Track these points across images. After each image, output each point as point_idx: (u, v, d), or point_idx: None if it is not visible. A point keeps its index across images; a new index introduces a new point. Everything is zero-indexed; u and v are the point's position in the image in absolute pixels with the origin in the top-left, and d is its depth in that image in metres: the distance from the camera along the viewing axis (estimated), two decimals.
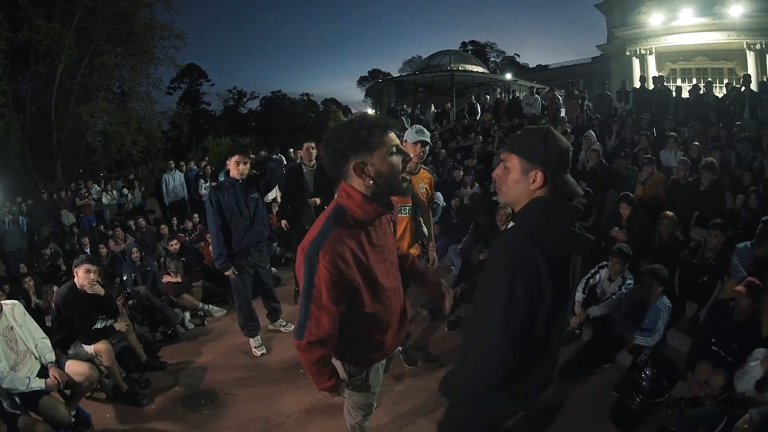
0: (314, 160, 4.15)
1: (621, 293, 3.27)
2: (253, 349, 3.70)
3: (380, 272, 1.45)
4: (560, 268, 1.15)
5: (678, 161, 5.08)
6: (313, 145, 4.14)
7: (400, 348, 3.20)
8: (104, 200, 9.11)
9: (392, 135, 1.37)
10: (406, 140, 2.76)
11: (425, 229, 3.04)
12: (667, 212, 3.95)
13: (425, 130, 2.82)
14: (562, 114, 9.70)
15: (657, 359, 2.83)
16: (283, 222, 4.38)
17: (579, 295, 3.39)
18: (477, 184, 6.35)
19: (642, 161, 5.18)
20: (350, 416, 1.85)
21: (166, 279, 4.69)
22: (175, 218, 7.39)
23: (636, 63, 16.10)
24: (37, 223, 7.80)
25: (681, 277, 3.56)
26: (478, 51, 35.05)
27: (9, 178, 12.38)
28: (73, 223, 8.26)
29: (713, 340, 2.66)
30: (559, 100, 10.13)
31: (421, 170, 2.98)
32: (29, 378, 2.68)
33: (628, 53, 16.22)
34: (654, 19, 15.32)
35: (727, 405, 2.25)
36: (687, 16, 14.70)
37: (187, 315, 4.54)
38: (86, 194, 8.77)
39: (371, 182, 1.34)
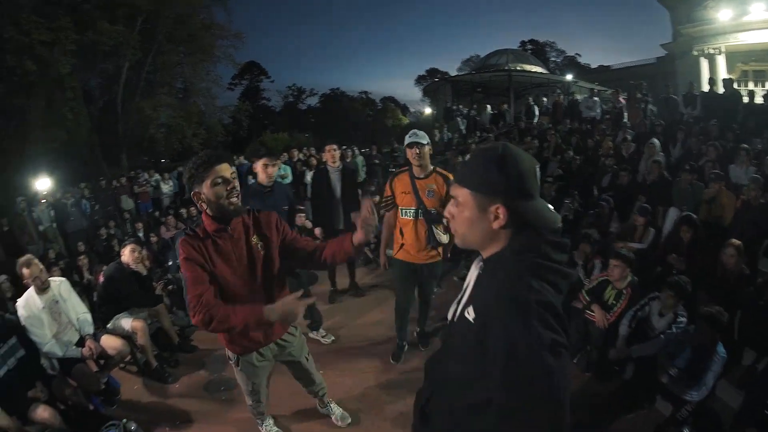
0: (338, 162, 4.11)
1: (670, 333, 2.81)
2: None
3: (225, 276, 1.78)
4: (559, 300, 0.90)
5: (749, 178, 4.42)
6: (335, 147, 4.10)
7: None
8: (163, 189, 9.72)
9: (218, 167, 1.67)
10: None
11: (441, 236, 2.95)
12: (733, 240, 3.35)
13: (418, 132, 2.91)
14: (625, 119, 8.99)
15: (700, 413, 2.46)
16: (317, 230, 4.22)
17: (624, 329, 2.99)
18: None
19: (708, 177, 4.56)
20: (246, 398, 2.26)
21: None
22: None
23: (704, 64, 14.50)
24: (98, 207, 8.45)
25: (742, 319, 3.04)
26: (538, 50, 33.83)
27: (78, 165, 13.86)
28: (130, 208, 8.91)
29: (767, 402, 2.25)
30: (621, 104, 9.38)
31: (435, 174, 2.95)
32: (67, 346, 3.02)
33: (695, 53, 14.66)
34: (723, 14, 13.67)
35: None
36: (760, 10, 12.97)
37: None
38: (144, 182, 9.43)
39: (205, 206, 1.74)
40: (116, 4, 13.70)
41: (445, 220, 2.87)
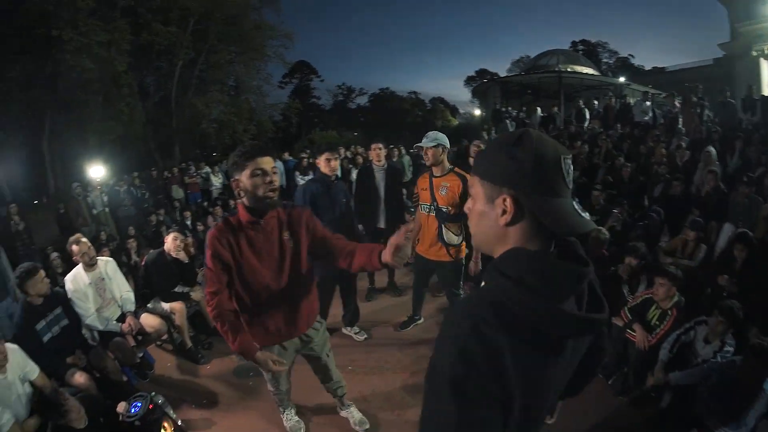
0: (383, 160, 4.15)
1: (714, 362, 2.58)
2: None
3: (254, 268, 1.83)
4: (541, 352, 0.73)
5: None
6: (381, 146, 4.14)
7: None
8: (213, 182, 10.21)
9: (260, 160, 1.71)
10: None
11: (449, 233, 3.11)
12: None
13: (429, 134, 3.08)
14: (680, 125, 8.38)
15: None
16: (360, 227, 4.26)
17: (664, 354, 2.78)
18: (576, 199, 5.72)
19: None
20: (268, 384, 2.32)
21: None
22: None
23: (765, 65, 13.16)
24: (149, 195, 9.04)
25: None
26: (589, 51, 32.46)
27: (133, 156, 15.06)
28: (180, 197, 9.44)
29: None
30: (676, 109, 8.75)
31: (452, 174, 3.09)
32: (108, 320, 3.27)
33: (754, 53, 13.26)
34: None
35: None
36: None
37: None
38: (194, 174, 9.95)
39: (242, 195, 1.77)
40: (169, 7, 14.68)
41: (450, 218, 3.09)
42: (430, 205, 3.14)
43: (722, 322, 2.59)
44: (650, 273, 3.38)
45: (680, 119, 8.52)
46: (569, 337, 0.76)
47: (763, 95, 8.07)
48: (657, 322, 2.94)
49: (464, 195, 3.01)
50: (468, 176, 2.86)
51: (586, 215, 0.77)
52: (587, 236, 3.83)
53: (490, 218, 0.78)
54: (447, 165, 3.12)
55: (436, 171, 3.12)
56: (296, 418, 2.59)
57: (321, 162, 3.35)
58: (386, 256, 1.67)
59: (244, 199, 1.77)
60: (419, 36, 78.37)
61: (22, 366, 2.42)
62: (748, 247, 3.46)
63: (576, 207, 0.76)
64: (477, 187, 0.81)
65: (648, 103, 9.83)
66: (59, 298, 3.01)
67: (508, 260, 0.75)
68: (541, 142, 0.75)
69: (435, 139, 3.04)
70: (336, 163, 3.35)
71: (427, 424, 0.71)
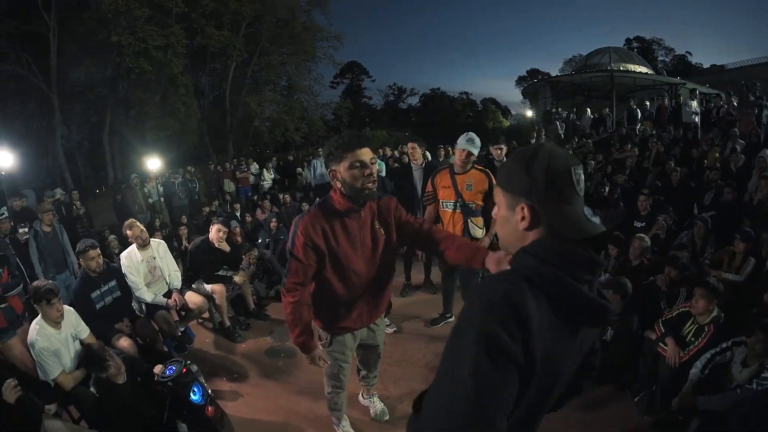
0: (421, 159, 4.30)
1: (749, 389, 2.34)
2: None
3: (348, 255, 1.83)
4: (561, 331, 0.81)
5: None
6: (416, 144, 4.27)
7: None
8: (266, 177, 10.72)
9: (360, 152, 1.68)
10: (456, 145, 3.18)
11: (475, 227, 3.20)
12: None
13: (475, 140, 3.19)
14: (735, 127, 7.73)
15: None
16: None
17: (695, 374, 2.56)
18: (622, 205, 5.47)
19: None
20: (325, 386, 2.28)
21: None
22: (318, 198, 8.34)
23: None
24: (201, 187, 9.69)
25: None
26: (644, 48, 30.61)
27: (187, 151, 16.24)
28: (232, 191, 10.04)
29: None
30: (733, 109, 8.08)
31: (473, 170, 3.23)
32: (156, 294, 3.65)
33: None
34: None
35: None
36: None
37: None
38: (245, 169, 10.53)
39: (340, 185, 1.75)
40: (222, 12, 15.56)
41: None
42: (455, 202, 3.23)
43: (763, 340, 2.37)
44: (690, 285, 3.15)
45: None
46: (583, 323, 0.86)
47: None
48: (692, 339, 2.74)
49: (491, 189, 3.12)
50: (488, 171, 3.19)
51: (596, 219, 0.91)
52: (603, 241, 3.79)
53: (512, 223, 0.91)
54: (469, 164, 3.27)
55: (458, 169, 3.25)
56: (351, 430, 2.50)
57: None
58: (491, 264, 1.57)
59: (342, 188, 1.75)
60: (471, 36, 77.13)
61: (75, 325, 2.79)
62: None
63: (586, 212, 0.89)
64: (500, 196, 0.95)
65: (694, 102, 9.13)
66: (115, 273, 3.44)
67: (536, 245, 0.86)
68: (553, 157, 0.87)
69: (479, 146, 3.24)
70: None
71: (445, 377, 0.76)
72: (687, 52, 32.82)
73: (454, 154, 3.55)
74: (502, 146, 4.72)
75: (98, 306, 3.22)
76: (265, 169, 10.86)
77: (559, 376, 0.86)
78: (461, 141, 3.20)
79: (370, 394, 2.72)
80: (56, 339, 2.64)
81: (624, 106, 14.14)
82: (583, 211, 0.87)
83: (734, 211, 4.60)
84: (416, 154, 4.28)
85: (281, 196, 8.23)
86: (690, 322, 2.81)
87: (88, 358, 2.63)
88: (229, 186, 10.16)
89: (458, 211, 3.24)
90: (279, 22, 16.70)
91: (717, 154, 6.02)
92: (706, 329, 2.70)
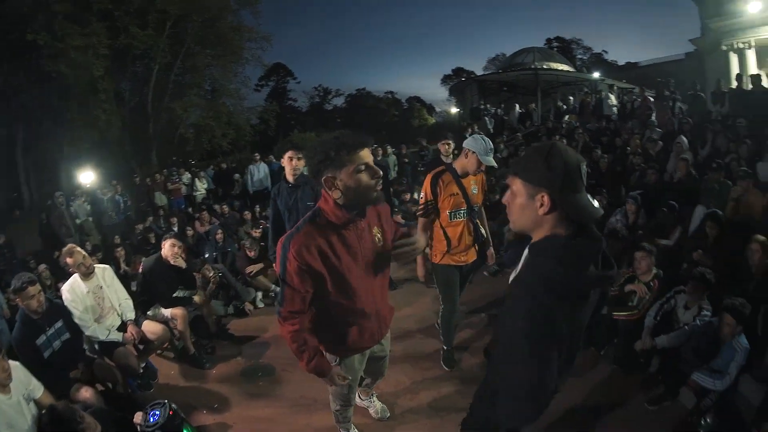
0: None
1: (695, 325, 2.87)
2: None
3: (349, 271, 1.64)
4: (577, 307, 1.10)
5: None
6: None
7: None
8: (199, 187, 10.04)
9: (362, 153, 1.52)
10: (465, 147, 2.75)
11: (483, 230, 3.03)
12: (758, 236, 3.33)
13: (492, 149, 2.76)
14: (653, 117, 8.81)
15: (722, 407, 2.47)
16: None
17: (650, 320, 3.05)
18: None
19: (736, 174, 4.52)
20: (332, 404, 2.15)
21: (243, 254, 5.09)
22: (257, 206, 8.03)
23: (734, 59, 13.85)
24: (132, 202, 8.90)
25: (766, 315, 2.96)
26: (564, 48, 33.04)
27: (109, 163, 14.38)
28: (164, 204, 9.20)
29: None
30: (650, 102, 9.17)
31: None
32: (109, 330, 3.18)
33: (724, 48, 13.99)
34: (752, 6, 13.00)
35: None
36: None
37: (260, 294, 4.91)
38: (177, 179, 9.75)
39: (340, 194, 1.53)
40: (147, 10, 14.28)
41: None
42: (466, 210, 2.86)
43: (696, 286, 2.92)
44: (630, 251, 3.65)
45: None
46: (592, 288, 1.11)
47: (732, 88, 8.56)
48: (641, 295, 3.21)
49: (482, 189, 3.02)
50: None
51: (596, 203, 1.10)
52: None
53: (531, 210, 1.09)
54: None
55: (460, 172, 2.85)
56: None
57: (284, 161, 3.16)
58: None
59: (339, 198, 1.55)
60: (395, 36, 78.26)
61: (25, 383, 2.27)
62: (719, 225, 3.80)
63: (590, 198, 1.08)
64: (518, 186, 1.12)
65: (613, 96, 10.29)
66: (60, 311, 2.92)
67: (549, 246, 1.08)
68: (567, 153, 1.07)
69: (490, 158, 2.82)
70: (299, 163, 3.09)
71: (514, 371, 1.13)
72: (603, 50, 35.86)
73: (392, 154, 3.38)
74: (450, 142, 4.80)
75: (46, 354, 2.68)
76: (197, 179, 10.18)
77: (580, 334, 1.15)
78: (473, 144, 2.72)
79: (368, 395, 2.69)
80: (7, 406, 2.13)
81: (549, 101, 15.38)
82: (589, 199, 1.08)
83: (658, 189, 5.22)
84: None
85: (218, 206, 7.75)
86: (635, 283, 3.28)
87: (54, 423, 2.10)
88: (161, 199, 9.35)
89: (468, 217, 2.90)
90: (206, 21, 15.58)
91: (638, 141, 6.75)
92: (651, 284, 3.21)
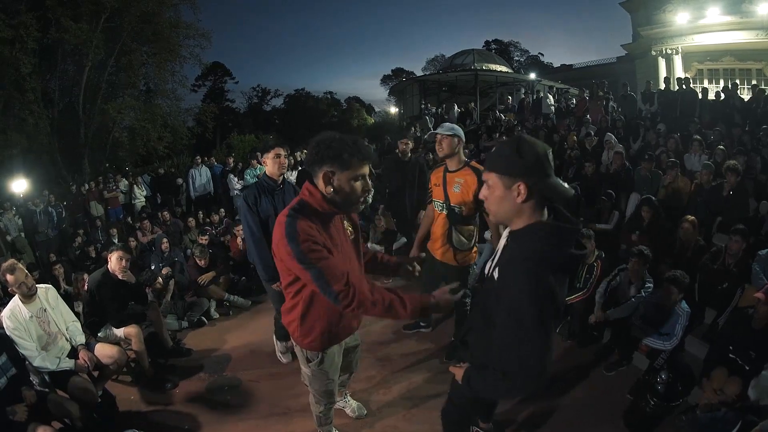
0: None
1: (640, 296, 3.26)
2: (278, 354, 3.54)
3: (342, 256, 1.66)
4: (562, 283, 1.21)
5: (702, 165, 5.01)
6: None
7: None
8: (137, 194, 9.40)
9: (367, 167, 1.60)
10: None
11: (460, 237, 2.86)
12: (688, 216, 3.92)
13: (445, 125, 2.83)
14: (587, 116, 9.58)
15: (673, 364, 2.81)
16: None
17: (600, 297, 3.41)
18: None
19: (666, 164, 5.13)
20: (315, 406, 2.12)
21: (193, 263, 4.85)
22: (201, 212, 7.67)
23: (662, 63, 15.74)
24: (67, 214, 8.18)
25: (701, 283, 3.51)
26: (502, 50, 34.65)
27: (38, 171, 12.94)
28: (100, 214, 8.58)
29: (731, 347, 2.59)
30: (586, 102, 9.97)
31: (466, 168, 2.80)
32: (59, 358, 2.82)
33: (653, 53, 15.83)
34: (680, 17, 14.92)
35: (742, 412, 2.24)
36: (714, 14, 14.32)
37: (214, 304, 4.69)
38: (114, 188, 9.11)
39: (332, 191, 1.56)
40: (80, 1, 13.04)
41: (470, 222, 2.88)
42: (443, 203, 2.87)
43: (637, 262, 3.29)
44: None
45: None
46: (574, 266, 1.29)
47: (660, 89, 9.52)
48: (587, 275, 3.57)
49: (478, 194, 2.63)
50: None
51: (566, 185, 1.21)
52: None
53: (509, 200, 1.18)
54: (463, 158, 2.85)
55: (450, 165, 2.84)
56: None
57: (268, 160, 2.91)
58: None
59: (329, 194, 1.56)
60: (335, 36, 78.26)
61: None
62: (653, 209, 4.28)
63: (560, 181, 1.19)
64: (494, 180, 1.20)
65: (551, 97, 11.09)
66: (2, 343, 2.56)
67: (536, 230, 1.19)
68: (534, 143, 1.17)
69: (451, 129, 2.77)
70: (286, 161, 2.94)
71: (516, 343, 1.19)
72: (539, 53, 38.03)
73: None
74: (408, 141, 4.93)
75: None
76: (135, 186, 9.56)
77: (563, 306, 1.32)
78: (441, 128, 2.80)
79: (342, 395, 2.69)
80: None
81: (487, 101, 16.11)
82: (558, 181, 1.18)
83: (595, 180, 5.74)
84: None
85: (159, 213, 7.30)
86: (580, 267, 3.62)
87: None
88: (97, 209, 8.68)
89: (444, 213, 2.87)
90: (143, 16, 14.34)
91: (575, 137, 7.31)
92: (595, 265, 3.57)
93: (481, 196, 1.26)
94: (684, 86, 8.54)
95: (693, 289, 3.40)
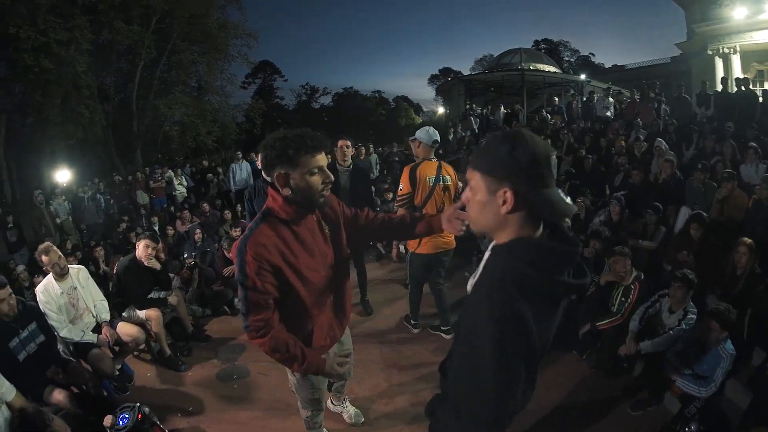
0: (349, 160, 3.85)
1: (680, 329, 2.81)
2: None
3: (309, 267, 1.59)
4: (546, 316, 0.93)
5: (761, 178, 4.36)
6: (348, 143, 3.84)
7: None
8: (176, 186, 9.82)
9: (319, 156, 1.48)
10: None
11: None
12: (745, 239, 3.31)
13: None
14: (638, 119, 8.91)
15: (708, 414, 2.43)
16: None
17: (634, 325, 3.00)
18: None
19: (721, 176, 4.50)
20: (302, 411, 2.07)
21: (221, 255, 5.01)
22: (239, 205, 7.90)
23: (719, 63, 14.27)
24: (114, 201, 8.77)
25: (752, 318, 2.98)
26: (551, 50, 33.39)
27: (92, 161, 14.24)
28: (146, 203, 9.07)
29: None
30: (636, 103, 9.27)
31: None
32: (84, 331, 3.12)
33: (709, 52, 14.39)
34: (738, 12, 13.45)
35: None
36: None
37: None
38: (159, 178, 9.60)
39: (290, 192, 1.49)
40: (131, 5, 14.02)
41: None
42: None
43: (680, 287, 2.85)
44: (605, 255, 3.65)
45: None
46: (563, 297, 0.96)
47: (716, 91, 8.65)
48: (623, 299, 3.18)
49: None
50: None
51: (569, 200, 0.93)
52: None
53: (492, 208, 0.91)
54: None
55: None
56: None
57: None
58: (445, 225, 1.65)
59: (289, 196, 1.51)
60: (383, 35, 78.72)
61: None
62: (703, 226, 3.76)
63: (561, 194, 0.91)
64: (477, 181, 0.93)
65: (610, 99, 10.40)
66: (34, 313, 2.83)
67: (519, 246, 0.91)
68: (534, 142, 0.88)
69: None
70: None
71: (467, 379, 0.92)
72: (590, 53, 36.58)
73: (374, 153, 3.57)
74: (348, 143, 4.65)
75: (21, 357, 2.60)
76: (176, 178, 10.02)
77: (549, 343, 0.97)
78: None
79: (340, 400, 2.63)
80: None
81: (535, 102, 15.48)
82: (559, 193, 0.90)
83: (642, 190, 5.21)
84: (346, 154, 3.81)
85: (200, 204, 7.63)
86: (615, 288, 3.26)
87: (24, 426, 2.15)
88: (143, 197, 9.20)
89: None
90: (191, 17, 15.30)
91: (623, 142, 6.79)
92: (632, 287, 3.16)
93: (462, 198, 1.02)
94: (743, 88, 7.69)
95: (742, 325, 2.91)
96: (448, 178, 3.25)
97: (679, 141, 6.65)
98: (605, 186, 6.16)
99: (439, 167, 3.24)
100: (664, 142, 5.98)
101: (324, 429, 2.33)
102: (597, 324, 3.21)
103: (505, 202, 0.88)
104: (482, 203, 0.93)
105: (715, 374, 2.47)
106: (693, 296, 2.92)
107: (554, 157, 0.91)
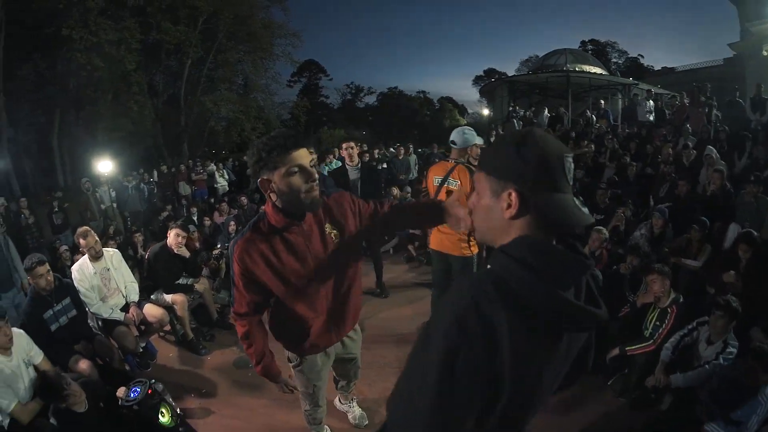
0: (356, 159, 4.17)
1: (717, 363, 2.51)
2: None
3: (298, 274, 1.57)
4: (533, 340, 0.73)
5: None
6: (352, 144, 4.18)
7: None
8: (217, 179, 10.27)
9: (296, 154, 1.39)
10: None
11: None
12: None
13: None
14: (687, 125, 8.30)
15: None
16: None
17: (666, 355, 2.73)
18: (581, 198, 5.72)
19: None
20: (302, 402, 2.11)
21: None
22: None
23: None
24: (158, 191, 9.29)
25: None
26: (598, 51, 32.08)
27: (142, 153, 15.35)
28: (187, 194, 9.55)
29: None
30: (685, 108, 8.65)
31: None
32: (112, 309, 3.36)
33: (765, 52, 13.04)
34: None
35: None
36: None
37: None
38: (201, 171, 10.08)
39: (276, 197, 1.46)
40: (178, 6, 14.90)
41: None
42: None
43: (721, 316, 2.54)
44: (642, 273, 3.35)
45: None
46: (566, 330, 0.77)
47: None
48: (657, 323, 2.90)
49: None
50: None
51: (586, 210, 0.80)
52: (586, 234, 3.81)
53: (496, 212, 0.80)
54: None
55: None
56: None
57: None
58: (450, 222, 1.58)
59: (277, 201, 1.47)
60: (428, 35, 78.01)
61: (26, 350, 2.51)
62: (753, 247, 3.38)
63: (577, 202, 0.80)
64: (483, 182, 0.84)
65: (651, 102, 9.75)
66: (68, 289, 3.10)
67: (514, 243, 0.77)
68: (545, 141, 0.78)
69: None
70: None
71: (409, 386, 0.77)
72: (639, 54, 34.76)
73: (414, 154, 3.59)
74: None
75: (53, 328, 2.89)
76: (216, 171, 10.45)
77: (540, 385, 0.79)
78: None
79: (348, 399, 2.62)
80: (7, 367, 2.36)
81: (580, 105, 14.80)
82: (574, 201, 0.79)
83: (688, 202, 4.83)
84: (352, 154, 4.15)
85: (239, 198, 7.90)
86: (651, 310, 2.97)
87: (43, 387, 2.39)
88: (185, 189, 9.67)
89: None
90: (237, 18, 16.10)
91: (670, 150, 6.34)
92: (669, 311, 2.86)
93: (469, 204, 0.91)
94: None
95: None
96: (455, 182, 3.11)
97: (730, 149, 6.12)
98: (649, 196, 5.78)
99: (451, 170, 3.14)
100: (714, 151, 5.54)
101: (326, 426, 2.35)
102: (627, 348, 2.95)
103: (509, 205, 0.77)
104: (487, 207, 0.83)
105: (750, 421, 2.18)
106: (736, 327, 2.61)
107: (570, 159, 0.80)
